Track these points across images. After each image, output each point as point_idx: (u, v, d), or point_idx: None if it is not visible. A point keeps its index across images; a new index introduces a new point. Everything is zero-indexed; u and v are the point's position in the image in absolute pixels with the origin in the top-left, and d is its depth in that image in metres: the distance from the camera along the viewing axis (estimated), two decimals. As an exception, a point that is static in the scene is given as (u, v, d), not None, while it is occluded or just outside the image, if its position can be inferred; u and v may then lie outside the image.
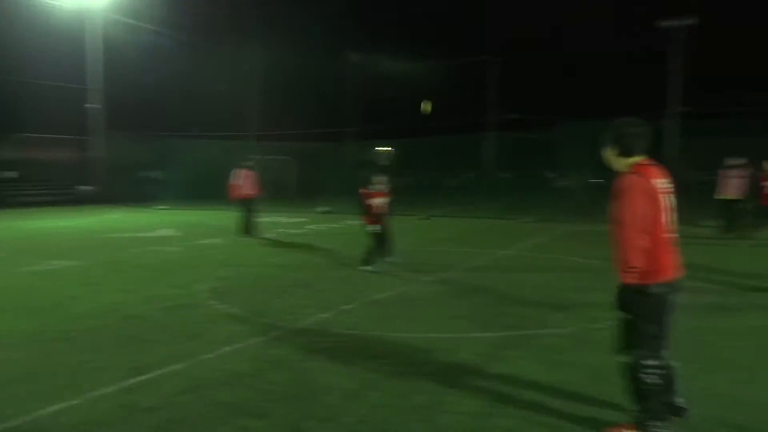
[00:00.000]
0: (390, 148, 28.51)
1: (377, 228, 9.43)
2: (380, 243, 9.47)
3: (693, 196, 14.44)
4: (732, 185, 13.40)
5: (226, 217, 15.50)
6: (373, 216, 9.46)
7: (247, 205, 14.20)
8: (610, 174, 3.69)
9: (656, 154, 3.70)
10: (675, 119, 27.57)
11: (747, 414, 3.90)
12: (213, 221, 17.80)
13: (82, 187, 27.50)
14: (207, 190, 21.46)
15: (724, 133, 24.84)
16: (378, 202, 9.48)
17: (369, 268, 9.26)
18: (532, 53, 34.72)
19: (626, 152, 3.58)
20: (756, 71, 34.86)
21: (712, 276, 8.63)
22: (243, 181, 14.30)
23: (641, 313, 3.52)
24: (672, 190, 3.58)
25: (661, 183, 3.52)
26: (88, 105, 28.24)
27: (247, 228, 14.11)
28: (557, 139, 21.62)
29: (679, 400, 3.79)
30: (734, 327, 6.00)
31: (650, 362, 3.53)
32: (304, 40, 36.89)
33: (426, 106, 15.33)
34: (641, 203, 3.41)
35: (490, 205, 20.84)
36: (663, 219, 3.48)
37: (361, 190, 9.59)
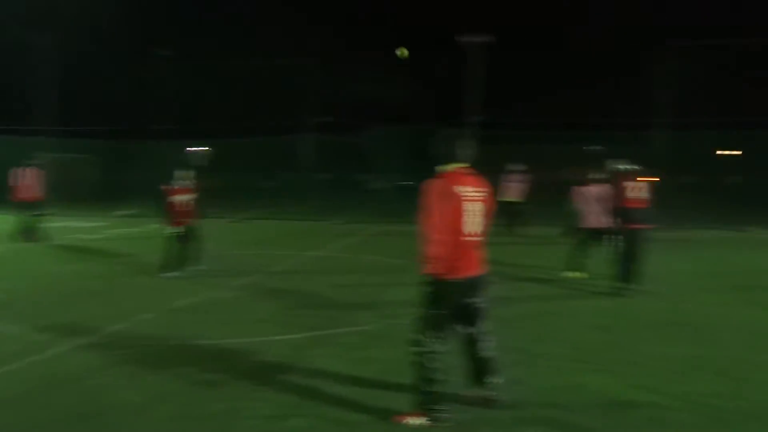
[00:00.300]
0: (206, 148, 27.43)
1: (179, 230, 8.98)
2: (183, 246, 9.02)
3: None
4: (513, 188, 14.94)
5: (6, 222, 13.76)
6: (175, 216, 8.97)
7: (31, 208, 12.74)
8: (419, 176, 3.97)
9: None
10: (473, 128, 30.09)
11: (526, 393, 4.32)
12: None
13: None
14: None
15: (516, 141, 27.71)
16: (180, 199, 9.02)
17: (171, 273, 8.81)
18: (347, 57, 35.52)
19: (444, 160, 3.92)
20: (543, 87, 39.35)
21: (492, 269, 9.52)
22: (27, 181, 12.81)
23: (431, 303, 3.84)
24: (483, 198, 3.90)
25: (469, 190, 3.83)
26: None
27: (31, 234, 12.66)
28: (369, 142, 22.45)
29: (491, 393, 4.10)
30: (511, 315, 6.61)
31: (433, 349, 3.82)
32: (112, 29, 34.07)
33: (403, 51, 14.79)
34: (438, 204, 3.74)
35: (305, 207, 20.98)
36: (463, 222, 3.79)
37: (162, 187, 9.06)
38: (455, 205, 3.77)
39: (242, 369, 4.87)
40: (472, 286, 3.92)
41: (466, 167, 3.96)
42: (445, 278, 3.78)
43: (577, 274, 8.98)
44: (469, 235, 3.84)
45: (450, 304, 3.86)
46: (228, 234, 14.95)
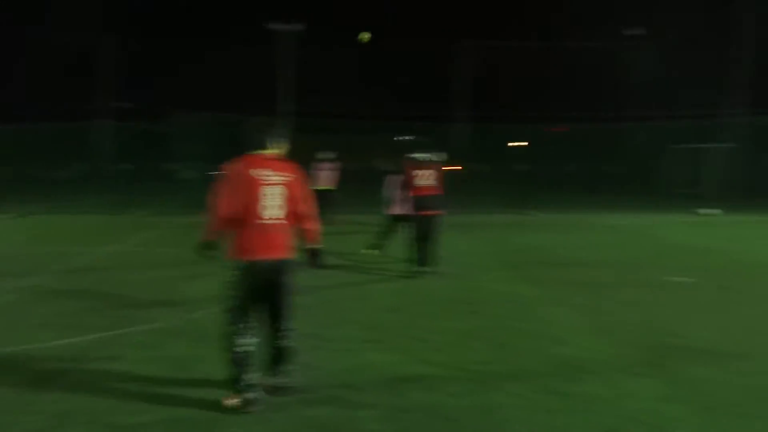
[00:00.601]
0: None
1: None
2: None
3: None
4: (323, 177, 15.22)
5: None
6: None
7: None
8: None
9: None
10: (289, 117, 30.11)
11: (317, 377, 4.45)
12: None
13: None
14: None
15: (328, 131, 28.25)
16: None
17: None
18: (144, 39, 33.21)
19: (253, 147, 3.98)
20: (355, 79, 40.42)
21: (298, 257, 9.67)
22: None
23: (229, 286, 3.90)
24: (285, 182, 3.95)
25: (267, 173, 3.88)
26: None
27: None
28: (174, 130, 21.37)
29: (284, 380, 4.13)
30: (311, 301, 6.64)
31: (235, 331, 3.88)
32: None
33: (363, 36, 13.62)
34: (229, 186, 3.85)
35: (105, 199, 19.43)
36: (258, 206, 3.84)
37: None
38: (249, 188, 3.84)
39: (13, 381, 4.41)
40: (273, 270, 3.96)
41: (274, 153, 4.04)
42: (239, 261, 3.86)
43: (373, 252, 9.73)
44: (268, 219, 3.89)
45: (249, 287, 3.90)
46: (11, 231, 13.35)
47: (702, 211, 18.62)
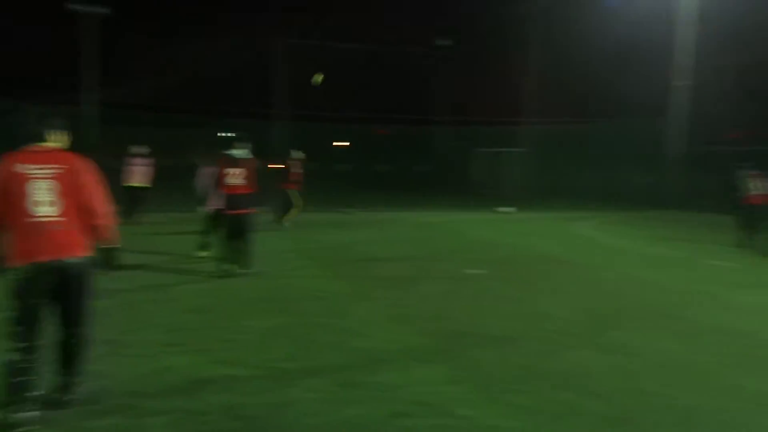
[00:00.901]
0: None
1: None
2: None
3: (111, 183, 14.68)
4: (137, 173, 14.29)
5: None
6: None
7: None
8: None
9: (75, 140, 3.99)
10: (94, 107, 27.76)
11: (108, 385, 4.19)
12: None
13: None
14: None
15: (138, 123, 26.55)
16: None
17: None
18: None
19: (28, 138, 3.71)
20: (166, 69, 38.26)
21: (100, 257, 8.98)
22: None
23: (7, 293, 3.55)
24: (56, 176, 3.64)
25: (33, 167, 3.59)
26: None
27: None
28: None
29: (65, 392, 3.82)
30: (107, 306, 6.04)
31: (13, 342, 3.55)
32: None
33: (317, 78, 11.80)
34: None
35: None
36: (25, 203, 3.54)
37: None
38: (13, 185, 3.56)
39: None
40: (56, 272, 3.64)
41: (52, 145, 3.78)
42: (11, 269, 3.54)
43: (204, 253, 9.43)
44: (41, 217, 3.59)
45: (29, 292, 3.56)
46: None
47: (500, 209, 20.53)
